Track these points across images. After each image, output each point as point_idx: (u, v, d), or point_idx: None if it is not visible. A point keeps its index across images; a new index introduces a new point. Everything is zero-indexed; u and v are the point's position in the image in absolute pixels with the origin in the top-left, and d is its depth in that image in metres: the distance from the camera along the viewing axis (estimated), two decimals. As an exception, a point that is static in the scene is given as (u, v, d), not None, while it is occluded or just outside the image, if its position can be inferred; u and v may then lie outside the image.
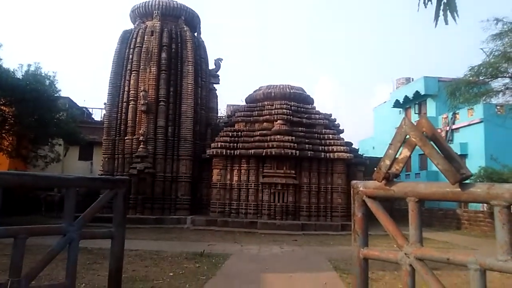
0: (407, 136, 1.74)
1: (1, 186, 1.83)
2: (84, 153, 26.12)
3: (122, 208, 2.27)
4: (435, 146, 1.69)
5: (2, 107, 17.58)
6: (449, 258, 1.57)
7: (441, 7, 2.75)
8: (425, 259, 1.65)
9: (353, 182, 1.98)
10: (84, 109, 30.77)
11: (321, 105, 64.90)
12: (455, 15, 2.78)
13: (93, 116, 31.54)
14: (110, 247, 2.29)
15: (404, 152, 1.74)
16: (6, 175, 1.93)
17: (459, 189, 1.55)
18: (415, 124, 1.73)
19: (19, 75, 17.53)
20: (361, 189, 1.90)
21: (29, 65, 17.95)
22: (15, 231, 1.91)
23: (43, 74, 18.09)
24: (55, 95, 18.72)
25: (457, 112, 23.63)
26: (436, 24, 2.79)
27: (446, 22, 2.79)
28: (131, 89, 19.98)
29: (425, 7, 2.90)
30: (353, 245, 1.93)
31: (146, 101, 19.20)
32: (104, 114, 21.63)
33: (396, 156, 1.79)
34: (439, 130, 26.81)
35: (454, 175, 1.53)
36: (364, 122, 71.26)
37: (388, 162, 1.76)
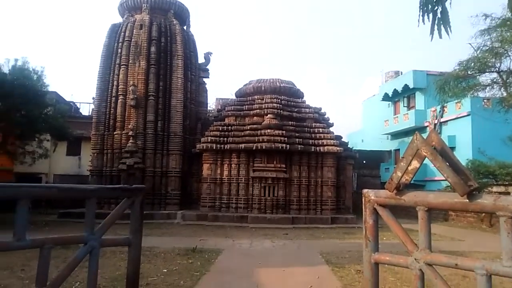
0: (418, 150, 1.83)
1: (30, 197, 1.88)
2: (72, 148, 25.83)
3: (139, 215, 2.34)
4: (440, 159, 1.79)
5: (-12, 103, 17.33)
6: (457, 263, 1.69)
7: (436, 22, 2.88)
8: (434, 264, 1.76)
9: (365, 190, 2.09)
10: (71, 103, 30.38)
11: (310, 98, 65.16)
12: (449, 30, 2.92)
13: (80, 110, 31.21)
14: (127, 253, 2.36)
15: (414, 164, 1.84)
16: (36, 187, 1.99)
17: (467, 200, 1.66)
18: (426, 138, 1.84)
19: (5, 70, 17.31)
20: (372, 197, 2.00)
21: (16, 60, 17.73)
22: (41, 242, 1.98)
23: (30, 69, 17.88)
24: (43, 90, 18.51)
25: (445, 105, 24.00)
26: (432, 38, 2.93)
27: (441, 36, 2.93)
28: (120, 84, 19.82)
29: (424, 23, 3.02)
30: (364, 251, 2.04)
31: (135, 96, 19.08)
32: (93, 109, 21.43)
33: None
34: (427, 123, 27.27)
35: (463, 187, 1.64)
36: (352, 115, 71.68)
37: (400, 174, 1.86)
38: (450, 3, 2.91)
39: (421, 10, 2.96)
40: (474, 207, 1.67)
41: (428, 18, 2.99)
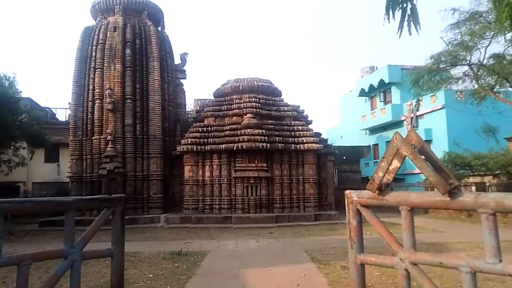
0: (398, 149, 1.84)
1: (2, 214, 1.81)
2: (50, 155, 25.33)
3: (120, 225, 2.28)
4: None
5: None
6: (441, 262, 1.70)
7: (405, 19, 2.90)
8: (419, 263, 1.78)
9: (347, 192, 2.09)
10: (47, 109, 29.75)
11: (288, 96, 65.33)
12: (418, 26, 2.94)
13: (57, 116, 30.59)
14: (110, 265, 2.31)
15: (395, 164, 1.86)
16: (9, 203, 1.91)
17: (449, 199, 1.68)
18: (405, 137, 1.85)
19: (-25, 78, 16.90)
20: (355, 198, 2.01)
21: (-14, 67, 17.34)
22: (19, 259, 1.90)
23: (1, 75, 17.49)
24: (16, 96, 18.11)
25: (420, 99, 24.42)
26: (400, 35, 2.95)
27: (410, 33, 2.95)
28: (96, 88, 19.47)
29: (389, 22, 3.04)
30: (350, 252, 2.04)
31: (112, 99, 18.79)
32: (69, 114, 21.03)
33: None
34: (404, 117, 27.67)
35: (444, 186, 1.65)
36: (330, 111, 72.16)
37: (381, 174, 1.87)
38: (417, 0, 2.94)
39: (387, 9, 2.97)
40: (455, 205, 1.69)
41: (394, 16, 3.01)
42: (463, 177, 18.13)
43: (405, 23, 2.97)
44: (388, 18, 3.05)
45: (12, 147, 19.23)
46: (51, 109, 30.96)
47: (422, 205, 1.86)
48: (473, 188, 17.93)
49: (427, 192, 1.85)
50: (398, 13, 3.02)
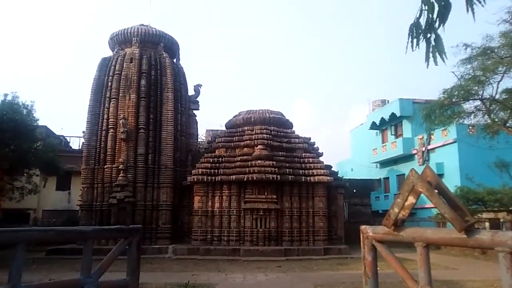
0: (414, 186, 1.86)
1: (26, 242, 1.85)
2: (62, 183, 25.55)
3: (136, 256, 2.30)
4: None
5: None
6: (458, 300, 1.69)
7: (430, 50, 2.92)
8: (435, 301, 1.76)
9: (362, 227, 2.10)
10: (61, 137, 30.23)
11: (299, 128, 65.50)
12: (444, 56, 2.95)
13: (70, 144, 31.03)
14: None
15: (411, 200, 1.87)
16: (33, 231, 1.95)
17: (465, 236, 1.68)
18: (421, 174, 1.87)
19: (-5, 104, 17.31)
20: (370, 234, 2.01)
21: (5, 95, 17.84)
22: None
23: (20, 104, 17.92)
24: (33, 124, 18.48)
25: (432, 132, 24.32)
26: (427, 65, 2.96)
27: (436, 63, 2.96)
28: (110, 117, 19.81)
29: (412, 50, 3.06)
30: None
31: (125, 129, 19.05)
32: (83, 143, 21.34)
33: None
34: (415, 151, 27.49)
35: (460, 223, 1.66)
36: (340, 143, 72.07)
37: (397, 210, 1.89)
38: (444, 29, 2.95)
39: (409, 37, 2.98)
40: (472, 243, 1.69)
41: (418, 45, 3.02)
42: (476, 213, 17.81)
43: (431, 54, 2.97)
44: (412, 46, 3.05)
45: (25, 174, 19.46)
46: (65, 137, 31.42)
47: (438, 242, 1.86)
48: (487, 224, 17.58)
49: (443, 229, 1.85)
50: (423, 43, 3.02)
